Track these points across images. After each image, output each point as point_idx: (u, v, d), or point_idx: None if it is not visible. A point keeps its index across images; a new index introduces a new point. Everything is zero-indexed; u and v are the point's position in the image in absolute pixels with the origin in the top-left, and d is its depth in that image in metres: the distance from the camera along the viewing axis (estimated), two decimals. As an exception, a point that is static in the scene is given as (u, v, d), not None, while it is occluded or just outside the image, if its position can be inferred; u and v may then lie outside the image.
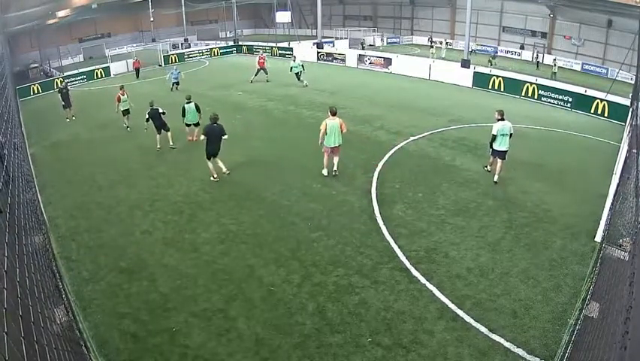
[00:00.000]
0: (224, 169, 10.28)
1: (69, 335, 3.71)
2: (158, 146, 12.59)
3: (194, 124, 12.97)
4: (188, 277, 6.71)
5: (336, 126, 9.62)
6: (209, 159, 10.15)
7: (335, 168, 10.17)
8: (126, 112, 14.78)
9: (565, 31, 35.52)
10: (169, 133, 12.66)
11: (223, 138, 10.01)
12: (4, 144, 4.43)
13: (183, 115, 12.62)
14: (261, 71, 22.63)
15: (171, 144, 12.78)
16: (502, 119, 9.30)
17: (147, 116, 12.34)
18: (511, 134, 9.31)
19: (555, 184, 9.66)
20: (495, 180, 9.61)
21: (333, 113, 9.64)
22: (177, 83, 22.11)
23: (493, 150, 9.51)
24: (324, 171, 10.23)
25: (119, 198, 9.64)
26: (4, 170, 3.73)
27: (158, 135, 12.56)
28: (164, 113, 12.45)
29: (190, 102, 12.66)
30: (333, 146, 9.77)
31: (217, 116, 9.97)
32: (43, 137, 14.76)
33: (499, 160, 9.52)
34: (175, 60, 32.68)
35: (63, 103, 16.95)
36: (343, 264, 6.90)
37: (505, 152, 9.40)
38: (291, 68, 21.75)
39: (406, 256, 7.03)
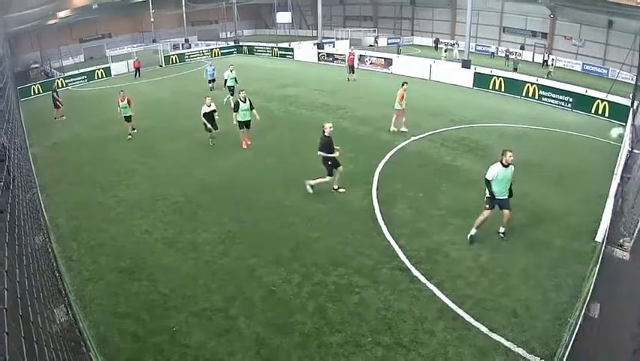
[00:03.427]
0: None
1: (69, 335, 3.71)
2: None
3: (244, 123, 12.25)
4: (188, 277, 6.71)
5: (396, 94, 13.18)
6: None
7: (391, 127, 13.47)
8: (127, 119, 13.91)
9: (565, 31, 35.47)
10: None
11: None
12: (4, 145, 4.44)
13: (235, 110, 12.13)
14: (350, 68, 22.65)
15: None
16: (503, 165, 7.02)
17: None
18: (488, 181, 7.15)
19: (555, 184, 9.65)
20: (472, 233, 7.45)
21: (402, 85, 13.20)
22: (213, 81, 20.44)
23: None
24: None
25: (119, 198, 9.65)
26: (5, 170, 3.74)
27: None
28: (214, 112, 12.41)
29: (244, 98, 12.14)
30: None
31: None
32: (43, 137, 14.78)
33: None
34: (175, 61, 32.70)
35: (55, 104, 17.36)
36: (343, 264, 6.90)
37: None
38: (225, 80, 17.88)
39: (406, 256, 7.02)
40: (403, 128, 13.49)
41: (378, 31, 47.07)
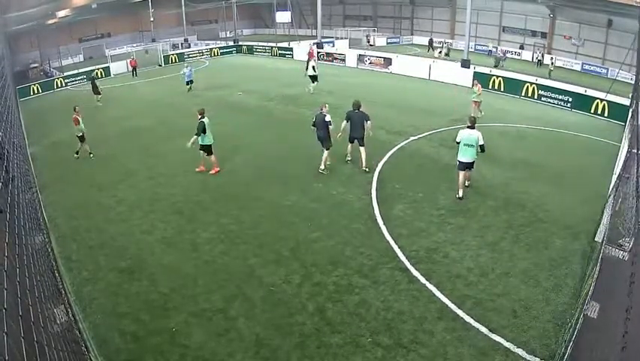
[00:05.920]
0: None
1: (69, 335, 3.71)
2: (322, 167, 10.21)
3: (204, 147, 10.35)
4: (188, 277, 6.71)
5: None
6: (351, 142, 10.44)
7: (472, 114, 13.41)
8: (82, 138, 12.23)
9: (565, 31, 35.45)
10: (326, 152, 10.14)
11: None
12: (3, 144, 4.43)
13: (203, 133, 10.05)
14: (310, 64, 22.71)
15: (322, 167, 10.20)
16: (471, 127, 8.62)
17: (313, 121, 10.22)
18: (482, 146, 8.57)
19: (555, 184, 9.65)
20: (459, 195, 8.88)
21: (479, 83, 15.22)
22: (191, 82, 20.94)
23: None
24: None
25: (118, 198, 9.64)
26: (4, 169, 3.73)
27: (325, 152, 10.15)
28: (329, 123, 10.00)
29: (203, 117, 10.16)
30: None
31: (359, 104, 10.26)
32: (43, 137, 14.75)
33: (461, 173, 8.81)
34: (175, 60, 32.67)
35: (94, 91, 18.82)
36: (343, 264, 6.90)
37: (471, 163, 8.75)
38: (314, 68, 19.55)
39: (406, 256, 7.03)
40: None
41: (376, 30, 46.99)
